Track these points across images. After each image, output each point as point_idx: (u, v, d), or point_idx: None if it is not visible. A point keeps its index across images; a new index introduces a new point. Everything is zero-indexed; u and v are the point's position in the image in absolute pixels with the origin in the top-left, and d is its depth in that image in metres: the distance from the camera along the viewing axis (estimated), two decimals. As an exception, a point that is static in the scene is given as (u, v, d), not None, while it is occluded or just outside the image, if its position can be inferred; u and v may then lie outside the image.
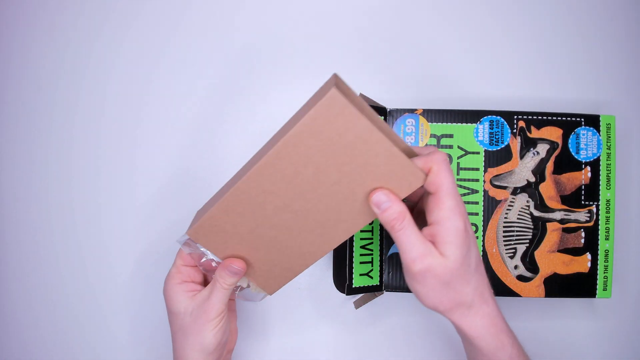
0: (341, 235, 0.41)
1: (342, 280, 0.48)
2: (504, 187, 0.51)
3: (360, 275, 0.49)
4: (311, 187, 0.38)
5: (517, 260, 0.50)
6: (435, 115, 0.51)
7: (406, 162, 0.36)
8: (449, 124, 0.51)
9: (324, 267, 0.55)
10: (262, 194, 0.38)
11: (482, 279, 0.39)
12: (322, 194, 0.38)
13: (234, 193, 0.39)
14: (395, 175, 0.37)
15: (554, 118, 0.50)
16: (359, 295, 0.51)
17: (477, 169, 0.51)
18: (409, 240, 0.36)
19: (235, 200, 0.39)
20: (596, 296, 0.50)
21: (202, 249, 0.43)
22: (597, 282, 0.50)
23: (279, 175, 0.37)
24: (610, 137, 0.50)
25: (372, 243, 0.50)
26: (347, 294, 0.48)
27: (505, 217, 0.50)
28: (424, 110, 0.51)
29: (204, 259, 0.43)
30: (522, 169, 0.50)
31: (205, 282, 0.46)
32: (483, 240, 0.51)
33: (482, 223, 0.51)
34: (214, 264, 0.43)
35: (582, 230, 0.50)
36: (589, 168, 0.50)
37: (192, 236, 0.41)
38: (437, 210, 0.36)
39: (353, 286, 0.48)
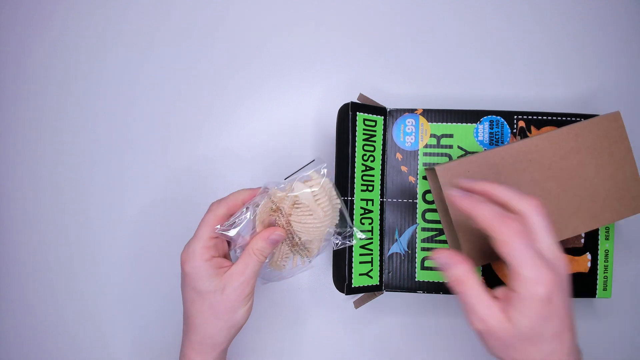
0: (569, 232, 0.45)
1: (342, 280, 0.48)
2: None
3: (360, 275, 0.49)
4: (568, 174, 0.45)
5: (517, 260, 0.50)
6: (435, 115, 0.51)
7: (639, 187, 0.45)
8: (449, 124, 0.51)
9: (324, 267, 0.55)
10: (525, 162, 0.44)
11: (560, 346, 0.35)
12: (574, 185, 0.45)
13: (504, 149, 0.44)
14: (628, 195, 0.45)
15: (554, 118, 0.50)
16: (359, 295, 0.51)
17: (477, 169, 0.51)
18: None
19: (498, 156, 0.44)
20: (596, 296, 0.50)
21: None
22: (597, 282, 0.50)
23: (551, 150, 0.44)
24: (610, 137, 0.51)
25: (371, 243, 0.50)
26: (346, 294, 0.48)
27: (506, 217, 0.51)
28: (424, 110, 0.51)
29: (234, 229, 0.40)
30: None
31: (228, 256, 0.44)
32: (483, 240, 0.51)
33: (482, 223, 0.51)
34: (247, 237, 0.41)
35: (582, 230, 0.51)
36: (589, 168, 0.51)
37: (439, 172, 0.45)
38: None
39: (353, 286, 0.48)
